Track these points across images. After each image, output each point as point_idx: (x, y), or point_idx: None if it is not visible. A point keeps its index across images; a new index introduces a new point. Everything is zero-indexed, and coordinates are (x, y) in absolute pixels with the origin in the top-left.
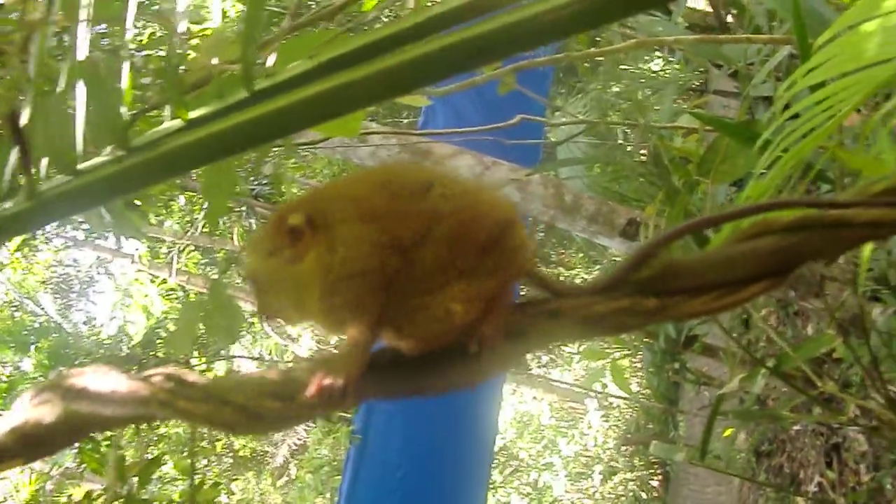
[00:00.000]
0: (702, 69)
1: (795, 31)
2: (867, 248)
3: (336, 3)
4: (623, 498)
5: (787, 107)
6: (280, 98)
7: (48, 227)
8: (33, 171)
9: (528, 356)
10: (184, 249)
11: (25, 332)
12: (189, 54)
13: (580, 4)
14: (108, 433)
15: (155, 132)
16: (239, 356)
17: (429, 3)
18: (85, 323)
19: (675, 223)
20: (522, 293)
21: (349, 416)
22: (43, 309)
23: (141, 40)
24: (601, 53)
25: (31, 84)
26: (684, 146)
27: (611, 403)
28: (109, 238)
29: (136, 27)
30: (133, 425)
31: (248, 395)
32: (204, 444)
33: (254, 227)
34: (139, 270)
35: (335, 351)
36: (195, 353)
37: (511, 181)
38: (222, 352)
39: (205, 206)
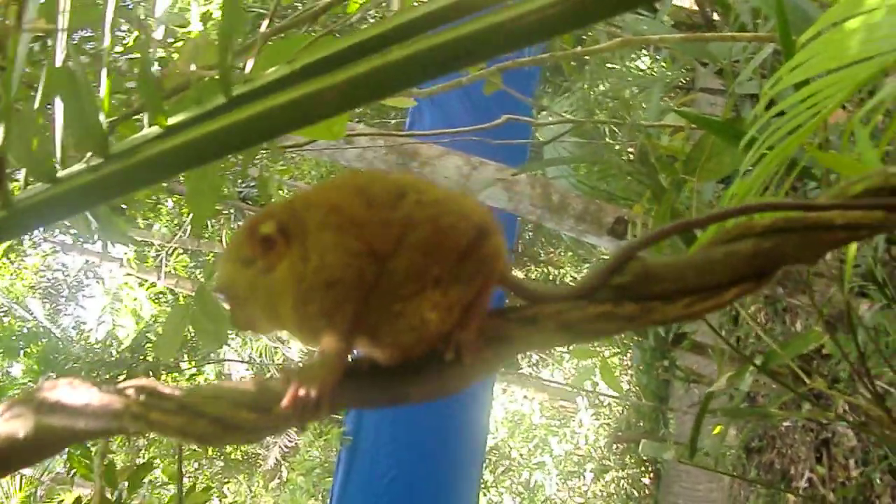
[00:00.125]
0: (688, 67)
1: (779, 28)
2: (853, 245)
3: (320, 4)
4: (615, 496)
5: (772, 104)
6: (258, 103)
7: (36, 232)
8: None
9: (518, 356)
10: (172, 252)
11: (14, 338)
12: (171, 58)
13: (566, 4)
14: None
15: (134, 139)
16: (229, 359)
17: (415, 4)
18: (74, 327)
19: (662, 221)
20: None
21: (340, 417)
22: (32, 314)
23: (126, 44)
24: (587, 52)
25: (5, 91)
26: (671, 144)
27: (601, 402)
28: (97, 242)
29: (121, 31)
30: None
31: (223, 406)
32: (194, 447)
33: None
34: (128, 274)
35: (311, 361)
36: (184, 357)
37: (498, 181)
38: (212, 355)
39: None
